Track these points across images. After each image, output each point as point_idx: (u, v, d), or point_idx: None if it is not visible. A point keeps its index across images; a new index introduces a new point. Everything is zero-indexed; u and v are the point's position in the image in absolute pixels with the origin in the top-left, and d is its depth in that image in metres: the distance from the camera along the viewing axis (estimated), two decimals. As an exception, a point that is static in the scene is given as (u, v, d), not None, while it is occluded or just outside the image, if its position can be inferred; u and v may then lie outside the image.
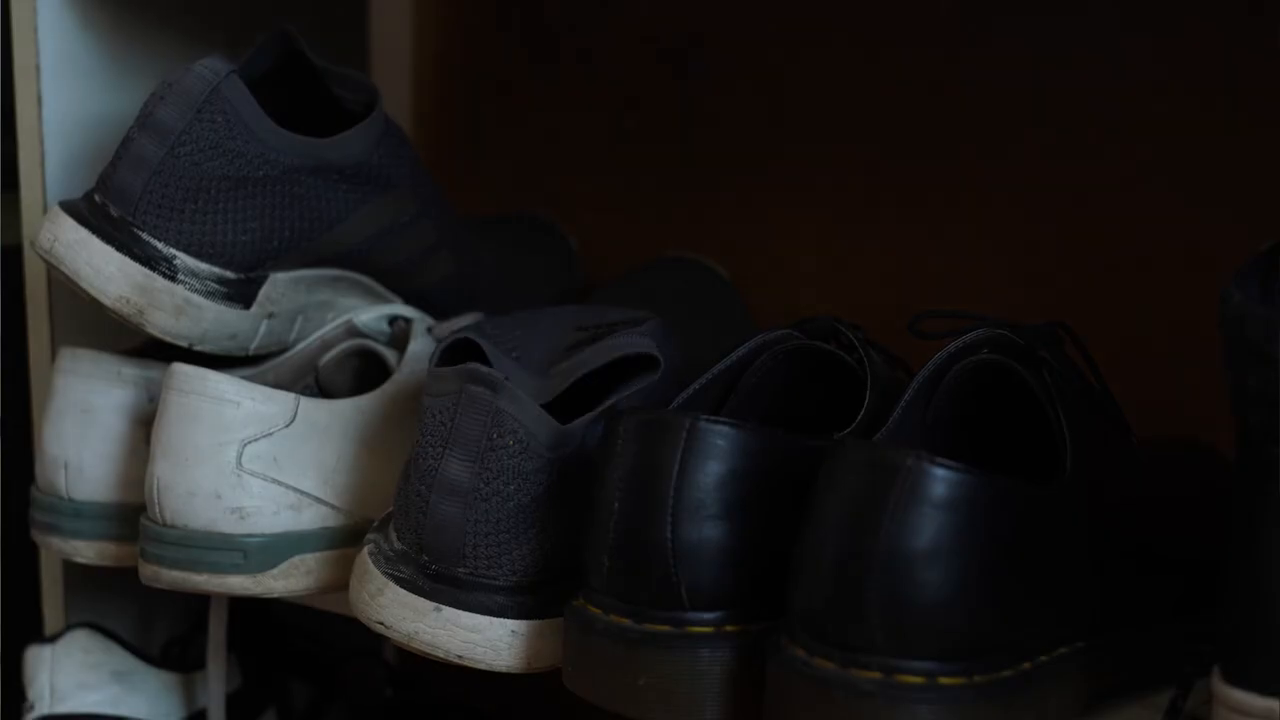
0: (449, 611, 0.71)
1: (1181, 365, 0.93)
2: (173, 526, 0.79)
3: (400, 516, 0.74)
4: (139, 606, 0.99)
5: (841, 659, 0.61)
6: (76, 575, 0.96)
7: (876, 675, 0.60)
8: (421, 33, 1.19)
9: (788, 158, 1.07)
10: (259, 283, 0.85)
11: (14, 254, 0.97)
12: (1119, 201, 0.97)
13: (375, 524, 0.77)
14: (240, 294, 0.84)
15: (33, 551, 0.95)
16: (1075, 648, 0.67)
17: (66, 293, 0.91)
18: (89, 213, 0.82)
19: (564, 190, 1.13)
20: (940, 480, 0.60)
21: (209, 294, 0.83)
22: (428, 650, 0.72)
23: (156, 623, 1.00)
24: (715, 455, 0.66)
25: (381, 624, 0.73)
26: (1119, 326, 0.94)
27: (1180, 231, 0.95)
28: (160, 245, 0.82)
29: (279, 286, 0.86)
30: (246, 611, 0.96)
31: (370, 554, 0.74)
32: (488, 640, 0.72)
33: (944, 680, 0.61)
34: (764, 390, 0.76)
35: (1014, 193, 1.00)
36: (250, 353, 0.87)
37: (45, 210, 0.91)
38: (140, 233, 0.81)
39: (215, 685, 0.92)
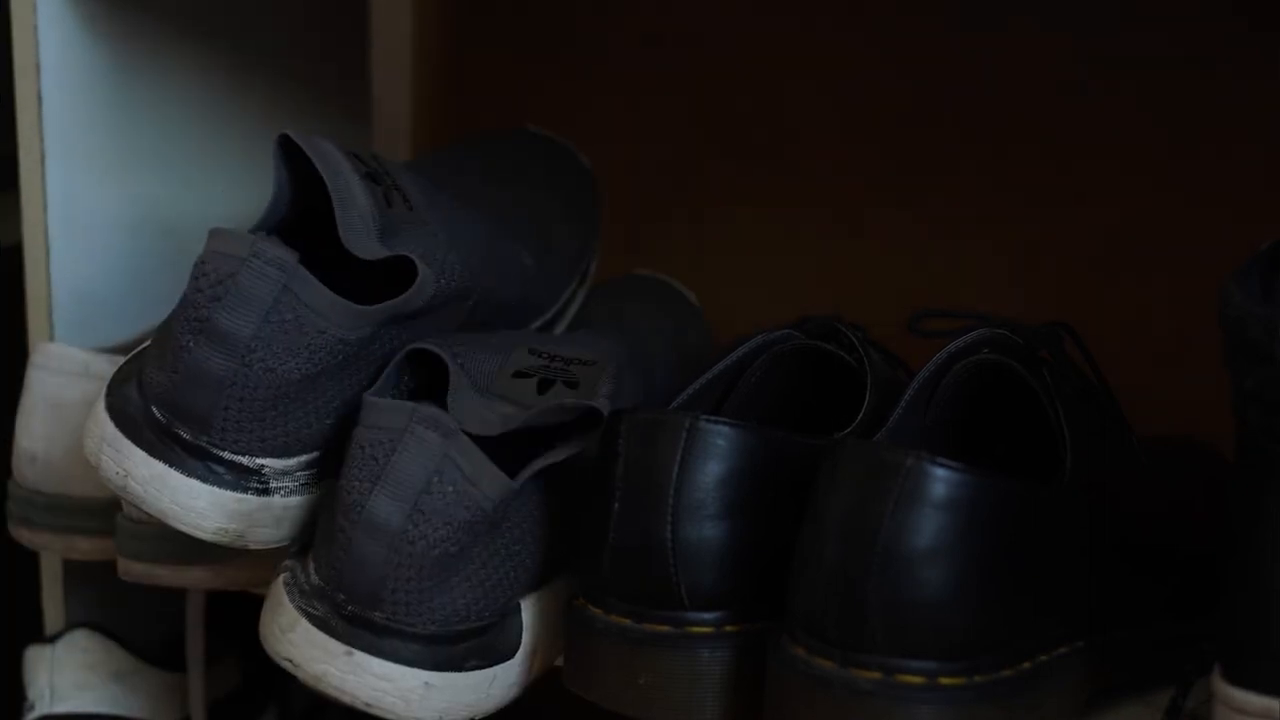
0: (361, 656, 0.67)
1: (1181, 365, 0.93)
2: (146, 523, 0.78)
3: (320, 549, 0.70)
4: (139, 606, 0.99)
5: (841, 658, 0.61)
6: (76, 575, 0.96)
7: (876, 675, 0.60)
8: (421, 32, 1.19)
9: (788, 158, 1.07)
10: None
11: (13, 253, 0.96)
12: (1119, 202, 0.97)
13: (293, 549, 0.73)
14: (331, 469, 0.75)
15: (33, 551, 0.95)
16: (1075, 647, 0.67)
17: (66, 291, 0.92)
18: (157, 437, 0.72)
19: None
20: (940, 480, 0.60)
21: (302, 486, 0.74)
22: (335, 694, 0.68)
23: (157, 623, 0.99)
24: (715, 455, 0.66)
25: (289, 661, 0.68)
26: (1119, 326, 0.94)
27: (1180, 231, 0.95)
28: (245, 460, 0.72)
29: None
30: (246, 610, 0.96)
31: (285, 583, 0.70)
32: (399, 690, 0.68)
33: (944, 680, 0.61)
34: (764, 390, 0.76)
35: (1014, 193, 1.00)
36: None
37: (45, 208, 0.91)
38: (221, 453, 0.72)
39: (195, 684, 0.93)
